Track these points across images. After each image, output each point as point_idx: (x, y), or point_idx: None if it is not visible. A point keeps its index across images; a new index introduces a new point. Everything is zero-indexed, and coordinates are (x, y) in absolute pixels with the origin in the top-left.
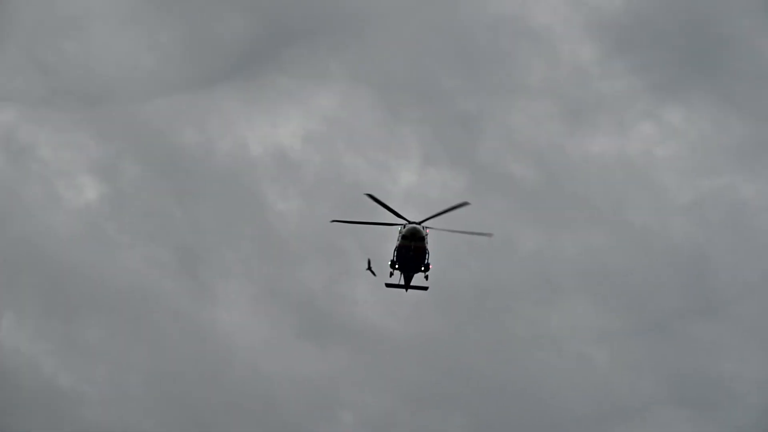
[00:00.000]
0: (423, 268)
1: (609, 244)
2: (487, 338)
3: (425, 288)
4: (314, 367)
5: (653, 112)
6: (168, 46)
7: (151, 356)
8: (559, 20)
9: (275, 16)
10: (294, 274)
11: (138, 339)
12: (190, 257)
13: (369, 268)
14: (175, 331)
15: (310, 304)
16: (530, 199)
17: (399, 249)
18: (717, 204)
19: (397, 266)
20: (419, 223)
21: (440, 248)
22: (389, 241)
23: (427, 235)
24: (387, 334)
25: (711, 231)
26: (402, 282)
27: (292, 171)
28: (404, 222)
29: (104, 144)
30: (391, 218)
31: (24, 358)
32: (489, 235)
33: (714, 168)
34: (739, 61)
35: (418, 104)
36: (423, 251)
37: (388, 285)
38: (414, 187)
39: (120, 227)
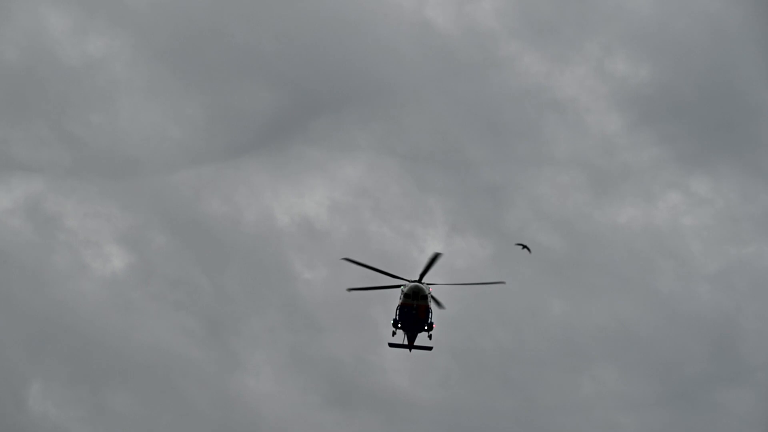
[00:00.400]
0: (426, 327)
1: (636, 311)
2: (515, 405)
3: (429, 348)
4: None
5: (680, 181)
6: (194, 117)
7: (180, 424)
8: (585, 91)
9: (302, 87)
10: (321, 342)
11: (166, 407)
12: (217, 326)
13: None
14: (203, 399)
15: (338, 372)
16: (557, 268)
17: (401, 308)
18: (744, 272)
19: (399, 326)
20: (421, 281)
21: (465, 312)
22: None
23: (430, 293)
24: (414, 401)
25: (738, 299)
26: (405, 342)
27: (318, 240)
28: (405, 282)
29: (131, 214)
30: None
31: (52, 425)
32: (502, 282)
33: (741, 237)
34: (765, 130)
35: (444, 174)
36: (426, 310)
37: (391, 345)
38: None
39: (147, 296)
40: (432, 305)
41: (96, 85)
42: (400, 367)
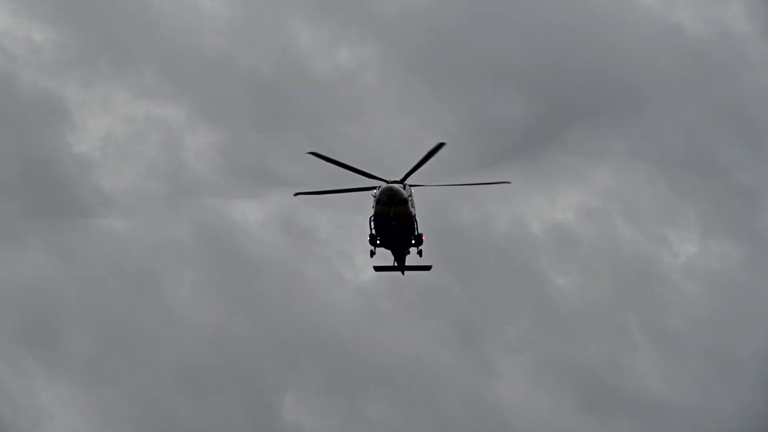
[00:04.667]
0: (414, 241)
1: None
2: None
3: (428, 267)
4: None
5: None
6: (448, 127)
7: None
8: None
9: (555, 95)
10: (575, 347)
11: (420, 415)
12: (470, 333)
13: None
14: (457, 406)
15: (592, 378)
16: None
17: (376, 218)
18: None
19: (378, 242)
20: (400, 182)
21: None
22: None
23: (411, 196)
24: (670, 406)
25: None
26: (395, 263)
27: (570, 246)
28: (379, 183)
29: None
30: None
31: None
32: (507, 182)
33: None
34: None
35: (697, 178)
36: (408, 219)
37: (377, 269)
38: (694, 260)
39: (398, 305)
40: (415, 211)
41: (348, 96)
42: (655, 371)
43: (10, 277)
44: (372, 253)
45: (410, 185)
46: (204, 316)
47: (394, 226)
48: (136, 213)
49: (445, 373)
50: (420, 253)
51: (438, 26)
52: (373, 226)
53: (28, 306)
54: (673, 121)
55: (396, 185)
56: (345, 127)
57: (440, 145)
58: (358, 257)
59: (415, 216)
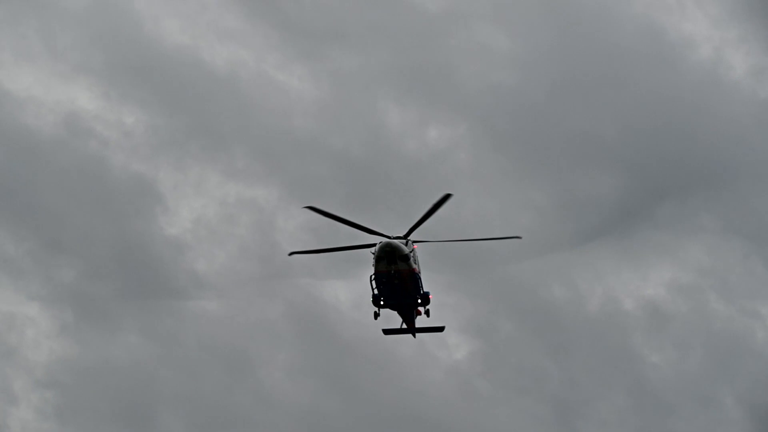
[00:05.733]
0: (420, 300)
1: None
2: None
3: (440, 328)
4: None
5: None
6: (541, 205)
7: None
8: None
9: (647, 172)
10: (670, 424)
11: None
12: (565, 411)
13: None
14: None
15: None
16: None
17: (377, 277)
18: None
19: (382, 302)
20: (403, 237)
21: None
22: None
23: (413, 252)
24: None
25: None
26: (403, 326)
27: (663, 322)
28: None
29: (476, 304)
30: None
31: None
32: (518, 237)
33: None
34: None
35: None
36: (411, 276)
37: (386, 332)
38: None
39: (493, 383)
40: (419, 268)
41: (439, 175)
42: None
43: (105, 359)
44: (376, 315)
45: (413, 241)
46: (297, 397)
47: (397, 285)
48: (229, 294)
49: None
50: (427, 313)
51: (527, 103)
52: (374, 286)
53: (122, 388)
54: (765, 195)
55: (395, 241)
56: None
57: (447, 197)
58: (451, 336)
59: (419, 273)
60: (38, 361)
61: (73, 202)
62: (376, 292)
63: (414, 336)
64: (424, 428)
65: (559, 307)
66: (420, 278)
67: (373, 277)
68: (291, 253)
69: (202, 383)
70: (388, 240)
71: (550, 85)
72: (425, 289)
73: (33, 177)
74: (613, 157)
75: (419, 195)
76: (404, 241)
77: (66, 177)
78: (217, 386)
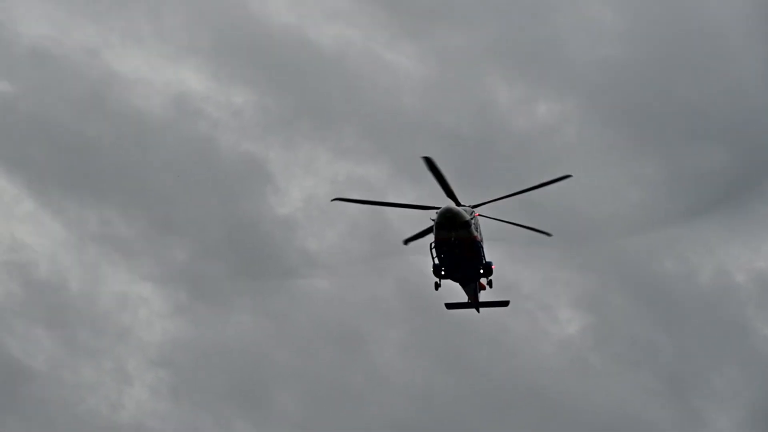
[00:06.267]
0: (482, 271)
1: None
2: None
3: (505, 303)
4: None
5: None
6: (653, 179)
7: None
8: None
9: (757, 146)
10: None
11: None
12: (678, 385)
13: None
14: None
15: None
16: None
17: (437, 245)
18: None
19: (443, 273)
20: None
21: None
22: None
23: (473, 218)
24: None
25: None
26: (469, 300)
27: None
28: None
29: (587, 278)
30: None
31: None
32: (548, 234)
33: None
34: None
35: None
36: (472, 244)
37: (449, 306)
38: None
39: (605, 357)
40: (481, 236)
41: (548, 151)
42: None
43: (218, 339)
44: (437, 286)
45: (472, 205)
46: (410, 374)
47: (458, 253)
48: (341, 273)
49: (653, 425)
50: (490, 283)
51: (637, 77)
52: (434, 255)
53: (236, 367)
54: None
55: (456, 207)
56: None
57: (565, 176)
58: (562, 311)
59: (481, 242)
60: (152, 341)
61: (183, 183)
62: (436, 261)
63: (478, 311)
64: (538, 403)
65: (670, 281)
66: (482, 247)
67: (433, 245)
68: (334, 199)
69: (314, 362)
70: (448, 206)
71: (658, 59)
72: (488, 260)
73: (143, 158)
74: (723, 130)
75: (529, 171)
76: (468, 208)
77: (176, 158)
78: (329, 365)
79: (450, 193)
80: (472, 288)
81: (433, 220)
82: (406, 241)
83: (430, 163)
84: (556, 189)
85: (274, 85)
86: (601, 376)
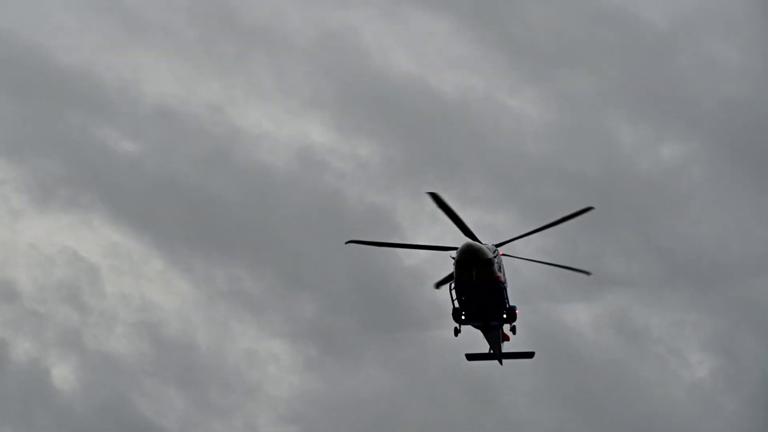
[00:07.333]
0: (505, 315)
1: None
2: None
3: (530, 354)
4: None
5: None
6: None
7: None
8: None
9: None
10: None
11: None
12: None
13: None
14: None
15: None
16: None
17: (457, 286)
18: None
19: (463, 317)
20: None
21: None
22: None
23: (497, 257)
24: None
25: None
26: (490, 351)
27: None
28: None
29: (717, 321)
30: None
31: None
32: (587, 273)
33: None
34: None
35: None
36: (495, 285)
37: (469, 357)
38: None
39: (734, 400)
40: (505, 278)
41: (675, 192)
42: None
43: (349, 392)
44: (456, 332)
45: (496, 244)
46: (542, 421)
47: (479, 294)
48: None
49: None
50: (513, 330)
51: (763, 116)
52: (454, 297)
53: (367, 421)
54: None
55: (478, 243)
56: (674, 224)
57: (587, 209)
58: (692, 354)
59: (505, 284)
60: (281, 396)
61: (310, 237)
62: (456, 305)
63: (501, 362)
64: None
65: None
66: (506, 289)
67: (452, 285)
68: (348, 242)
69: (446, 413)
70: (469, 242)
71: None
72: (511, 304)
73: (270, 213)
74: None
75: (656, 213)
76: (491, 247)
77: (302, 211)
78: (461, 415)
79: (466, 231)
80: (494, 336)
81: (453, 258)
82: (438, 285)
83: (437, 199)
84: (684, 230)
85: (397, 135)
86: (734, 419)
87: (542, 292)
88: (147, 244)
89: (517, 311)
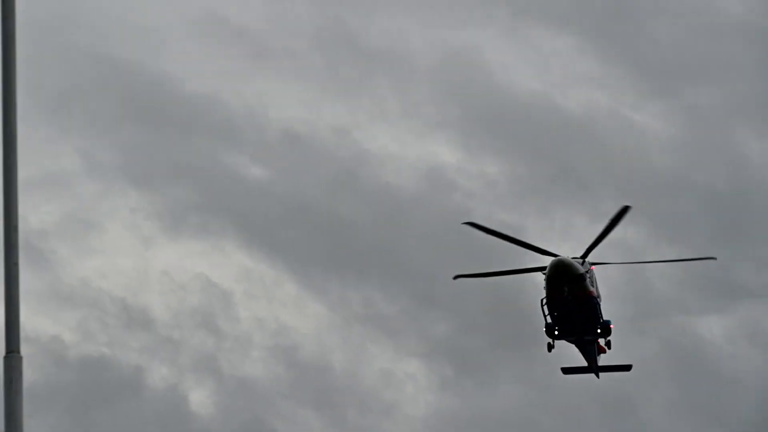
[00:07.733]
0: (599, 331)
1: None
2: None
3: (627, 367)
4: None
5: None
6: None
7: None
8: None
9: None
10: None
11: None
12: None
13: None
14: None
15: None
16: None
17: (549, 302)
18: None
19: (556, 332)
20: (581, 258)
21: None
22: None
23: (589, 272)
24: None
25: None
26: (586, 364)
27: None
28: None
29: None
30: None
31: None
32: (713, 258)
33: None
34: None
35: None
36: (587, 300)
37: (565, 371)
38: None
39: None
40: (598, 292)
41: None
42: None
43: (485, 410)
44: (549, 347)
45: (591, 262)
46: None
47: (571, 310)
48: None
49: None
50: (609, 344)
51: None
52: (546, 313)
53: None
54: None
55: (568, 258)
56: None
57: (625, 209)
58: None
59: (598, 299)
60: (418, 415)
61: (441, 256)
62: (549, 320)
63: (597, 376)
64: None
65: None
66: (599, 305)
67: (544, 301)
68: (456, 277)
69: (582, 426)
70: (559, 257)
71: None
72: (605, 318)
73: (400, 234)
74: None
75: None
76: (582, 261)
77: (432, 231)
78: (596, 429)
79: (525, 245)
80: (590, 351)
81: (544, 274)
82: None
83: (477, 227)
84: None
85: (524, 153)
86: None
87: (676, 306)
88: (279, 268)
89: (611, 326)
